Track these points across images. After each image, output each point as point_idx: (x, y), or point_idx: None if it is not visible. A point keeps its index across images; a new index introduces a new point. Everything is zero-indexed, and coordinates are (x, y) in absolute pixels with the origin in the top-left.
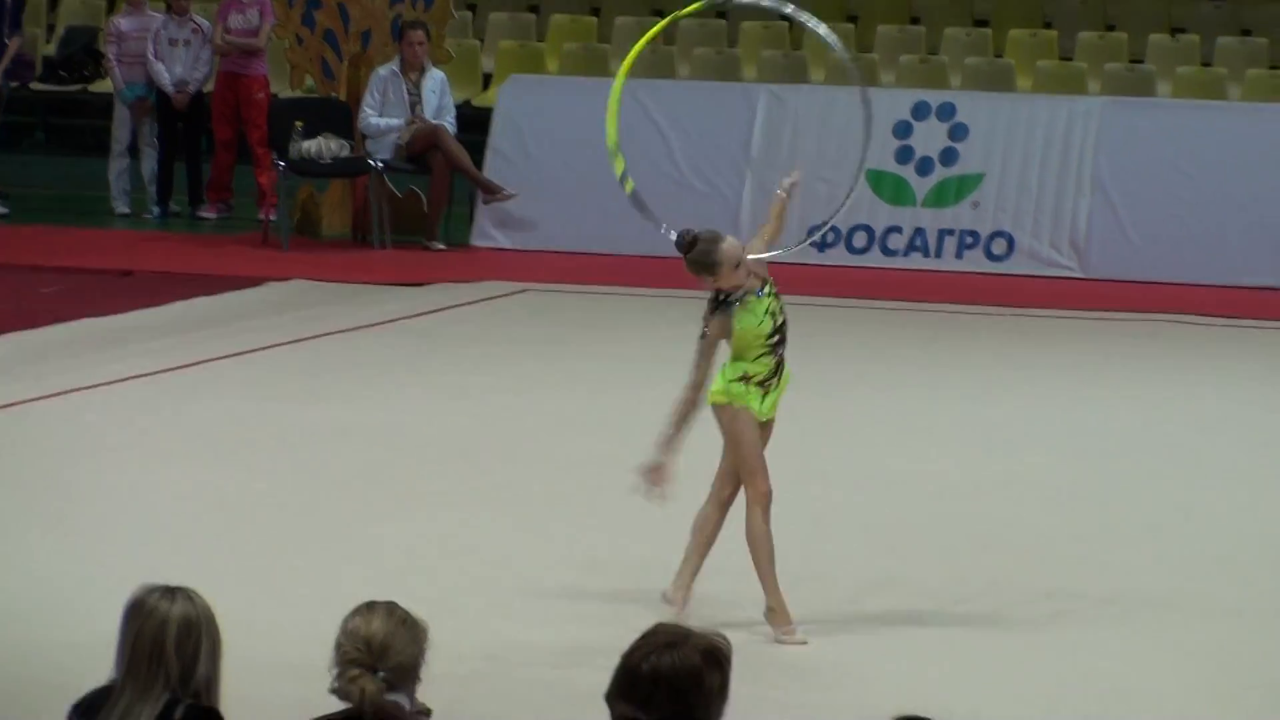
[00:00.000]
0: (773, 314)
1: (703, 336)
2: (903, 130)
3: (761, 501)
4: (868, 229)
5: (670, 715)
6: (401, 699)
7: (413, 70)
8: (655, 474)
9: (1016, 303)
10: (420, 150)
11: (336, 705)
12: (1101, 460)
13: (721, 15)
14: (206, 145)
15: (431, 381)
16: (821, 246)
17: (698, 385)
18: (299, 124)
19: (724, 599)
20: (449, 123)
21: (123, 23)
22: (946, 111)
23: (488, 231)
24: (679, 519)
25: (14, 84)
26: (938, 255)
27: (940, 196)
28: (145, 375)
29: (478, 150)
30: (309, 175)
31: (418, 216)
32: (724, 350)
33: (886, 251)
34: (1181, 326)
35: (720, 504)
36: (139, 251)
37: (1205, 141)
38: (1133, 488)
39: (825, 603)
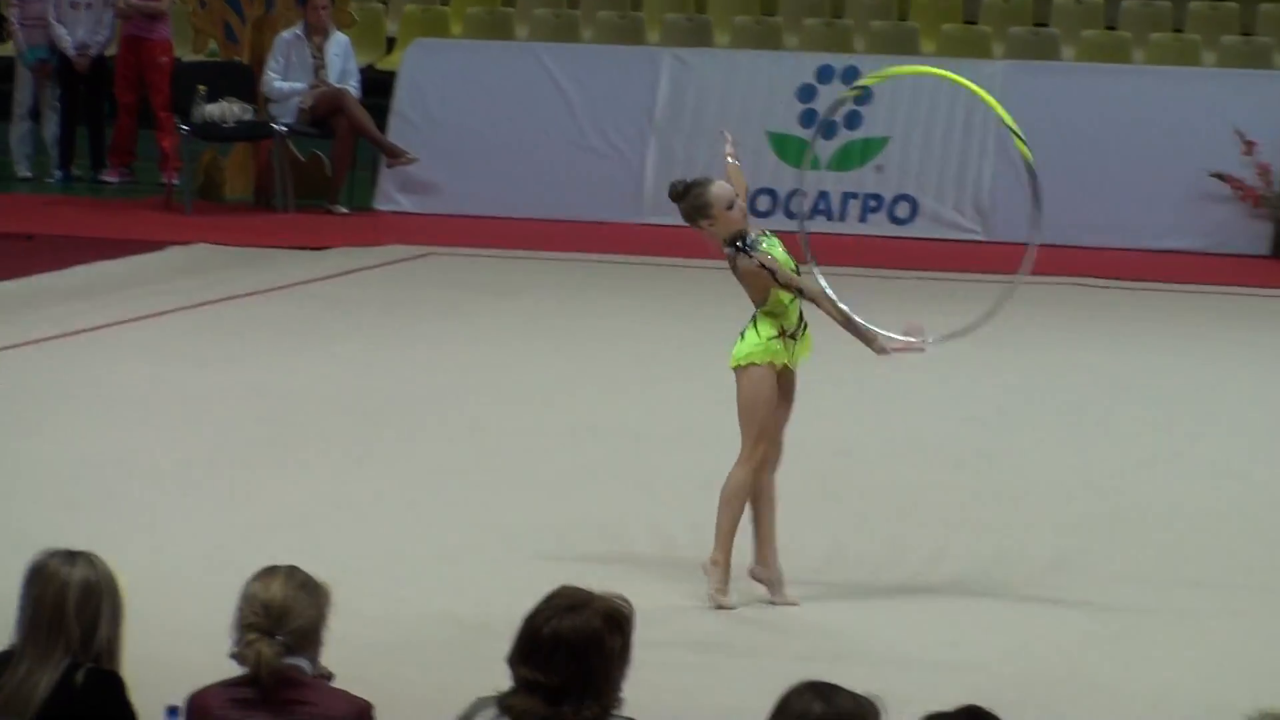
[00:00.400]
0: (791, 261)
1: (772, 272)
2: (806, 94)
3: (752, 464)
4: (771, 192)
5: (571, 678)
6: (302, 663)
7: (317, 34)
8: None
9: (920, 266)
10: (324, 114)
11: (239, 669)
12: (1000, 424)
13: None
14: (109, 109)
15: (334, 345)
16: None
17: (821, 293)
18: (202, 88)
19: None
20: (353, 87)
21: None
22: (851, 75)
23: (391, 195)
24: (580, 483)
25: None
26: (841, 219)
27: (844, 160)
28: (47, 339)
29: (381, 114)
30: (212, 139)
31: (321, 180)
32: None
33: (790, 215)
34: (1085, 290)
35: (766, 467)
36: (41, 215)
37: (1109, 105)
38: (1029, 451)
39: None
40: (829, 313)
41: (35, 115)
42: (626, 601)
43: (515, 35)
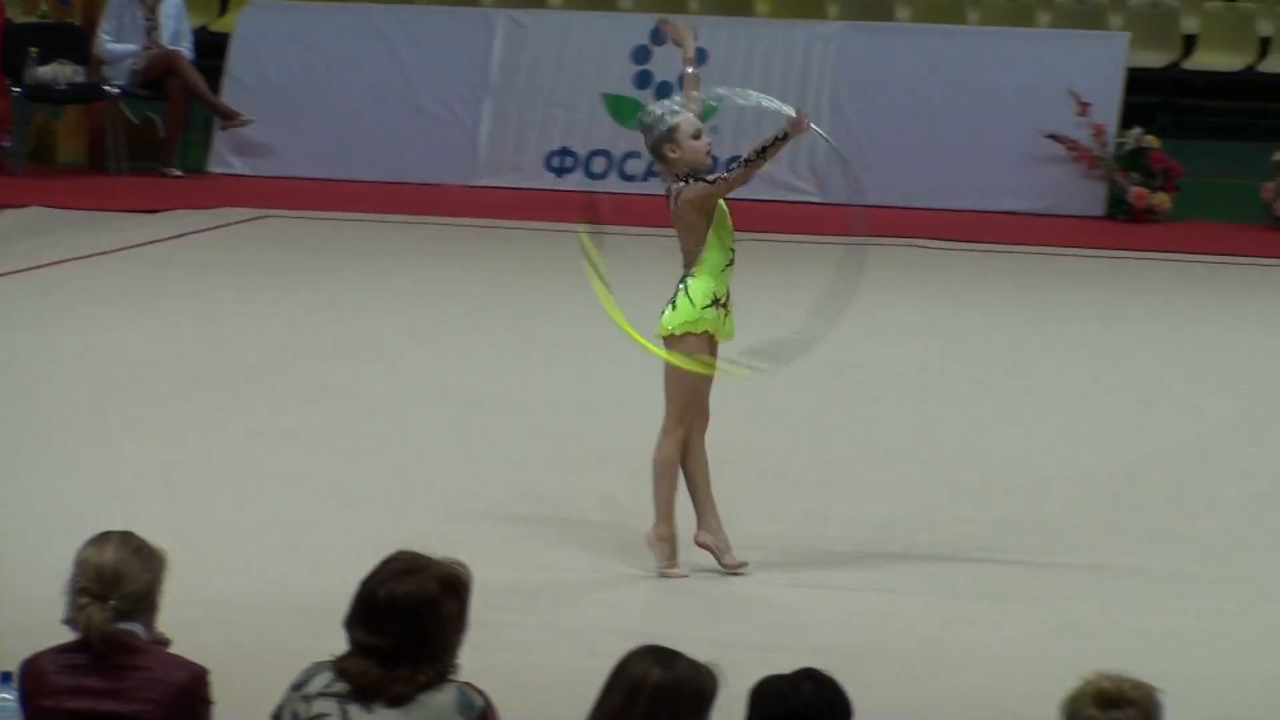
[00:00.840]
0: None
1: (715, 181)
2: (641, 55)
3: (679, 435)
4: (606, 154)
5: (405, 641)
6: (135, 628)
7: None
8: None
9: (757, 228)
10: (157, 76)
11: (73, 635)
12: (842, 387)
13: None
14: None
15: (169, 308)
16: (560, 171)
17: (749, 160)
18: (33, 50)
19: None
20: (186, 48)
21: None
22: None
23: (225, 158)
24: (420, 447)
25: None
26: None
27: None
28: None
29: (215, 76)
30: (44, 101)
31: (154, 143)
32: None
33: (625, 177)
34: (921, 251)
35: (696, 432)
36: None
37: (944, 66)
38: (866, 414)
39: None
40: (756, 166)
41: None
42: (464, 567)
43: None
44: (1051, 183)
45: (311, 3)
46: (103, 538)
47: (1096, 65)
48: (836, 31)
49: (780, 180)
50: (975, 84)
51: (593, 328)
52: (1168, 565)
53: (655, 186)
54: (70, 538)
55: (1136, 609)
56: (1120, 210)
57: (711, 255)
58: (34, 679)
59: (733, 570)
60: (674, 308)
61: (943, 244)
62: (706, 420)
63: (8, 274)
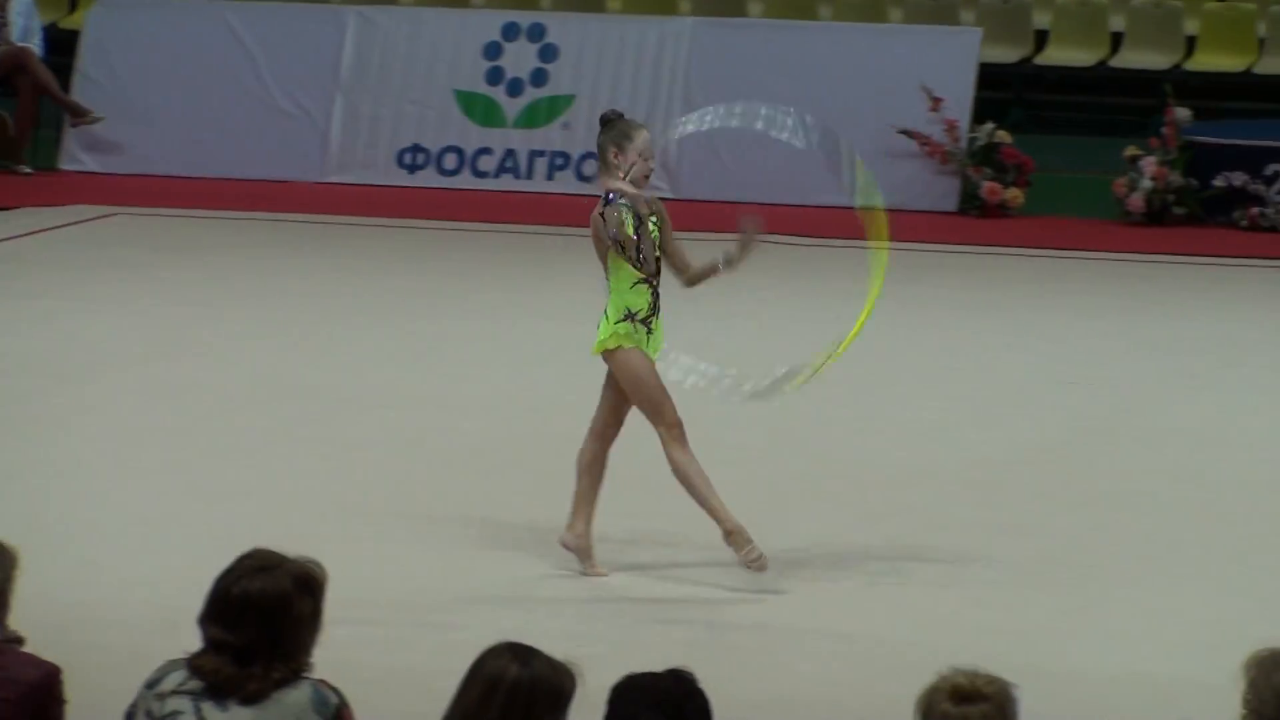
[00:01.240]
0: (655, 239)
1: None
2: (493, 51)
3: (675, 435)
4: (458, 150)
5: (259, 638)
6: None
7: None
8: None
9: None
10: (6, 73)
11: None
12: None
13: None
14: None
15: (19, 305)
16: (412, 168)
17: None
18: None
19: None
20: (36, 45)
21: None
22: (536, 32)
23: (76, 155)
24: (271, 443)
25: None
26: (529, 176)
27: (531, 118)
28: None
29: (65, 73)
30: None
31: (4, 140)
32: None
33: (477, 173)
34: (775, 246)
35: (606, 440)
36: None
37: (797, 62)
38: (718, 411)
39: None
40: (677, 267)
41: None
42: (319, 565)
43: None
44: (904, 178)
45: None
46: None
47: (949, 61)
48: (688, 27)
49: None
50: (828, 80)
51: (444, 324)
52: (1024, 561)
53: (509, 183)
54: None
55: (992, 604)
56: (973, 205)
57: (619, 274)
58: None
59: (592, 574)
60: (598, 327)
61: (785, 239)
62: (618, 432)
63: None
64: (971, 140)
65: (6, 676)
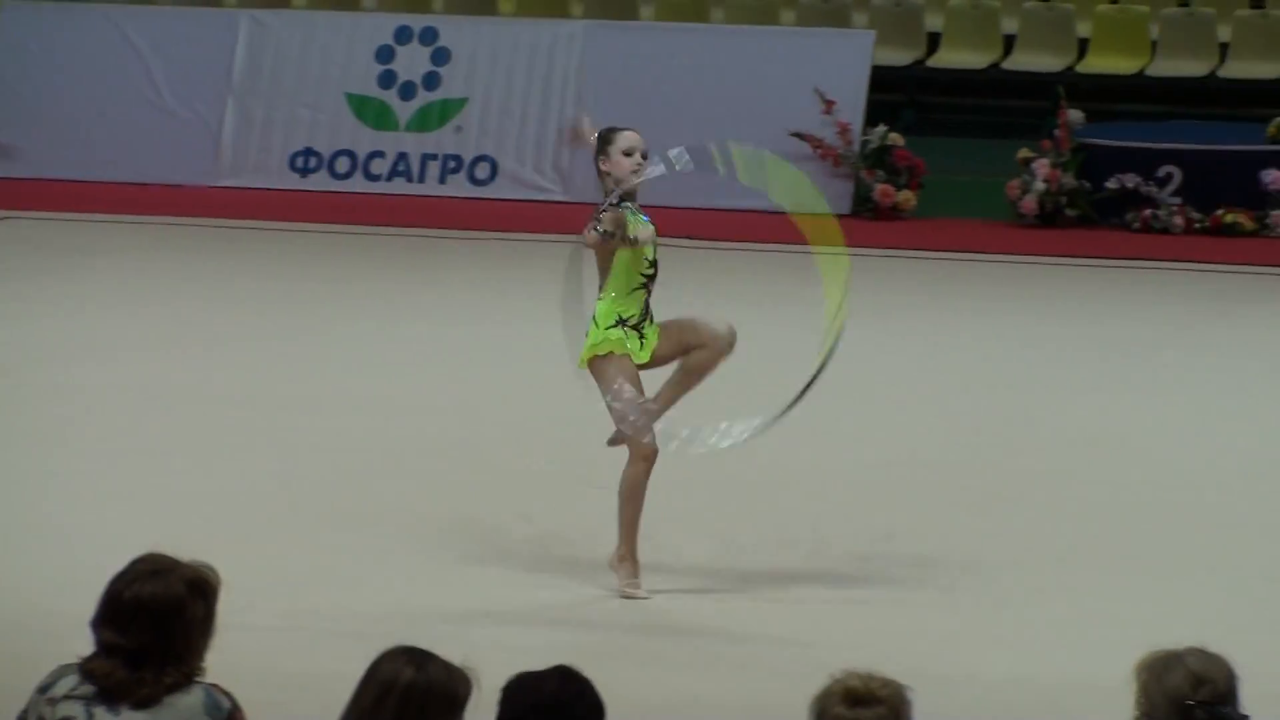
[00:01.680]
0: (654, 246)
1: (596, 227)
2: (385, 55)
3: (646, 458)
4: (350, 154)
5: (151, 642)
6: None
7: None
8: (574, 134)
9: (501, 227)
10: None
11: None
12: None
13: None
14: None
15: None
16: (304, 172)
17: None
18: None
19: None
20: None
21: None
22: (429, 36)
23: None
24: (165, 446)
25: None
26: (421, 180)
27: (423, 121)
28: None
29: None
30: None
31: None
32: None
33: (369, 177)
34: (663, 250)
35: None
36: None
37: (688, 64)
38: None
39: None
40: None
41: None
42: (212, 569)
43: None
44: None
45: (53, 4)
46: None
47: (841, 63)
48: (581, 30)
49: (526, 180)
50: (720, 82)
51: (336, 327)
52: (917, 564)
53: (401, 186)
54: None
55: (885, 607)
56: (866, 208)
57: (617, 278)
58: None
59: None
60: (586, 335)
61: (686, 243)
62: (698, 350)
63: None
64: (864, 143)
65: None
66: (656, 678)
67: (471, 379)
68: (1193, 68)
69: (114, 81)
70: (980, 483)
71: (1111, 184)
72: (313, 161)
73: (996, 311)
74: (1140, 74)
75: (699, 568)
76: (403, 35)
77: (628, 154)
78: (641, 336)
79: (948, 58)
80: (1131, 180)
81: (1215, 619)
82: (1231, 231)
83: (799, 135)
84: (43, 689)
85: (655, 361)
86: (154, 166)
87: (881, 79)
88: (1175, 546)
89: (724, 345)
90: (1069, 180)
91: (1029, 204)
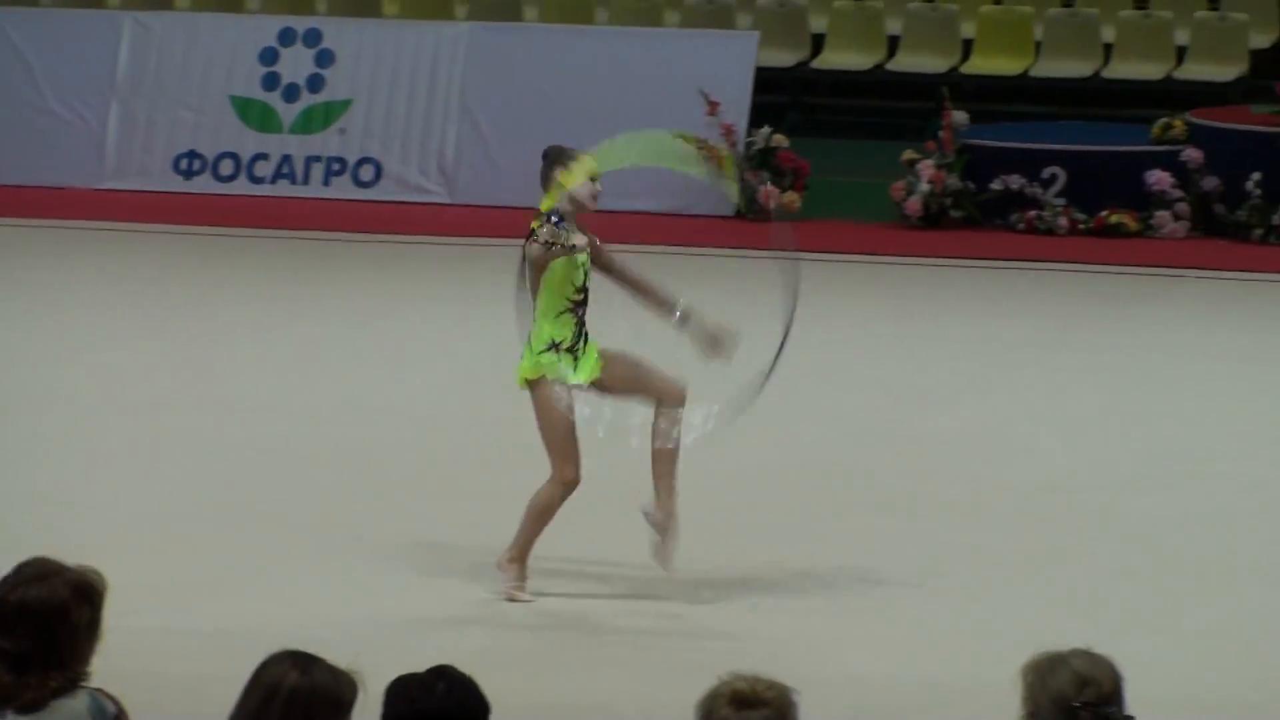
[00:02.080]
0: (584, 268)
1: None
2: (269, 57)
3: (564, 485)
4: (234, 156)
5: (35, 647)
6: None
7: None
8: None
9: (385, 229)
10: None
11: None
12: (473, 389)
13: None
14: None
15: None
16: (188, 174)
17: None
18: None
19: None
20: None
21: None
22: (313, 38)
23: None
24: (44, 449)
25: None
26: (305, 182)
27: (307, 123)
28: None
29: None
30: None
31: None
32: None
33: (254, 179)
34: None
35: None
36: None
37: (573, 66)
38: (497, 414)
39: None
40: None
41: None
42: (98, 574)
43: None
44: (681, 182)
45: None
46: None
47: (726, 65)
48: (465, 32)
49: (410, 181)
50: (605, 84)
51: (220, 329)
52: (803, 565)
53: (285, 188)
54: None
55: (772, 609)
56: (750, 209)
57: (546, 300)
58: None
59: (663, 558)
60: (521, 357)
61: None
62: (662, 398)
63: None
64: (749, 144)
65: None
66: (544, 679)
67: (356, 381)
68: (1077, 68)
69: None
70: (867, 484)
71: (996, 185)
72: (197, 164)
73: (881, 313)
74: (1024, 75)
75: (586, 572)
76: (286, 37)
77: (593, 178)
78: (576, 359)
79: (832, 59)
80: (1016, 181)
81: (1102, 619)
82: (1116, 232)
83: (683, 136)
84: None
85: (605, 389)
86: (37, 169)
87: (766, 80)
88: (1063, 546)
89: (678, 407)
90: (954, 181)
91: (914, 205)
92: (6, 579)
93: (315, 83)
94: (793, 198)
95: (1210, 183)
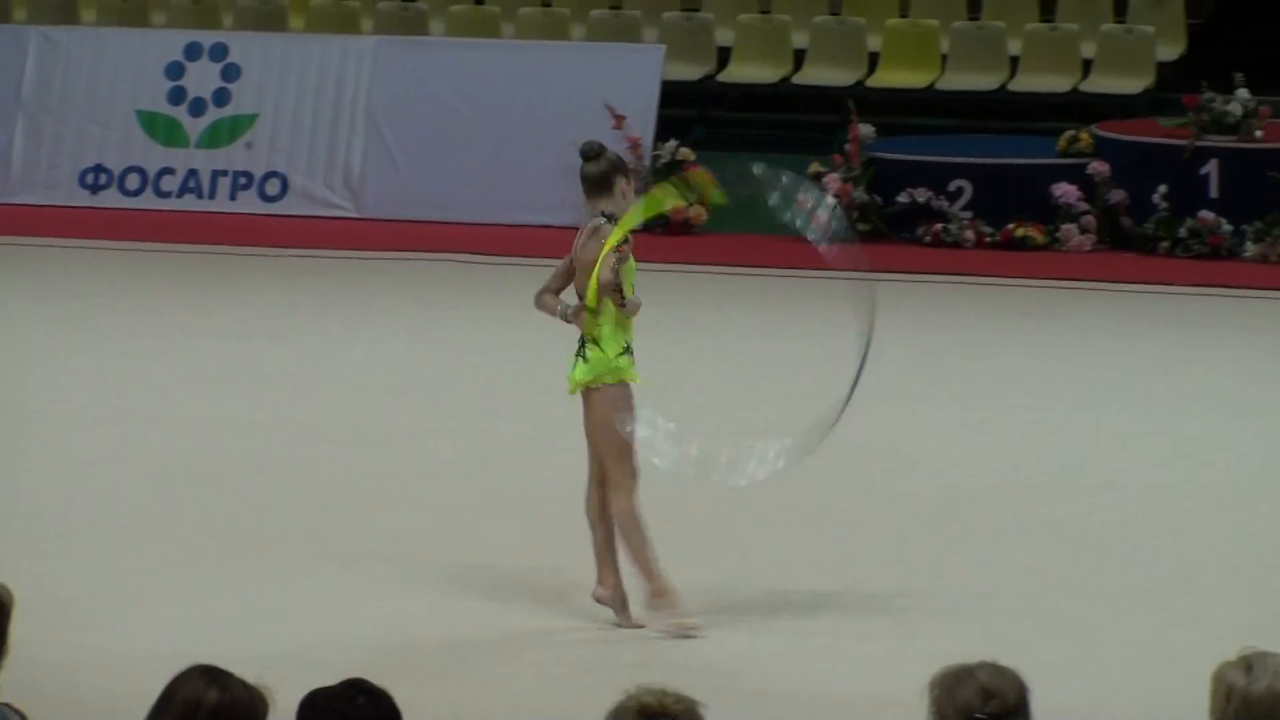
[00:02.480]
0: (633, 275)
1: (617, 250)
2: (175, 71)
3: (630, 485)
4: (140, 171)
5: None
6: None
7: None
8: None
9: (292, 243)
10: None
11: None
12: (396, 404)
13: None
14: None
15: None
16: (95, 188)
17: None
18: None
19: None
20: None
21: None
22: (219, 52)
23: None
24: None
25: None
26: (211, 196)
27: (214, 137)
28: None
29: None
30: None
31: None
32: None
33: (160, 193)
34: (458, 266)
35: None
36: None
37: (479, 80)
38: (425, 428)
39: None
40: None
41: None
42: (5, 589)
43: None
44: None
45: None
46: None
47: (632, 78)
48: (370, 46)
49: (317, 196)
50: (511, 98)
51: (125, 343)
52: (718, 580)
53: (191, 203)
54: None
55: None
56: (657, 223)
57: (611, 306)
58: None
59: (631, 626)
60: (584, 361)
61: (481, 259)
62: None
63: None
64: (655, 158)
65: None
66: (454, 690)
67: (264, 395)
68: (983, 81)
69: None
70: (778, 498)
71: (902, 198)
72: (103, 178)
73: (787, 327)
74: (930, 88)
75: (485, 581)
76: (193, 51)
77: (626, 196)
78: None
79: (738, 72)
80: (922, 194)
81: (1010, 632)
82: (1023, 245)
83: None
84: None
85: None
86: None
87: (672, 94)
88: (970, 557)
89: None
90: (860, 195)
91: (820, 219)
92: None
93: (221, 97)
94: (698, 211)
95: (1117, 195)
